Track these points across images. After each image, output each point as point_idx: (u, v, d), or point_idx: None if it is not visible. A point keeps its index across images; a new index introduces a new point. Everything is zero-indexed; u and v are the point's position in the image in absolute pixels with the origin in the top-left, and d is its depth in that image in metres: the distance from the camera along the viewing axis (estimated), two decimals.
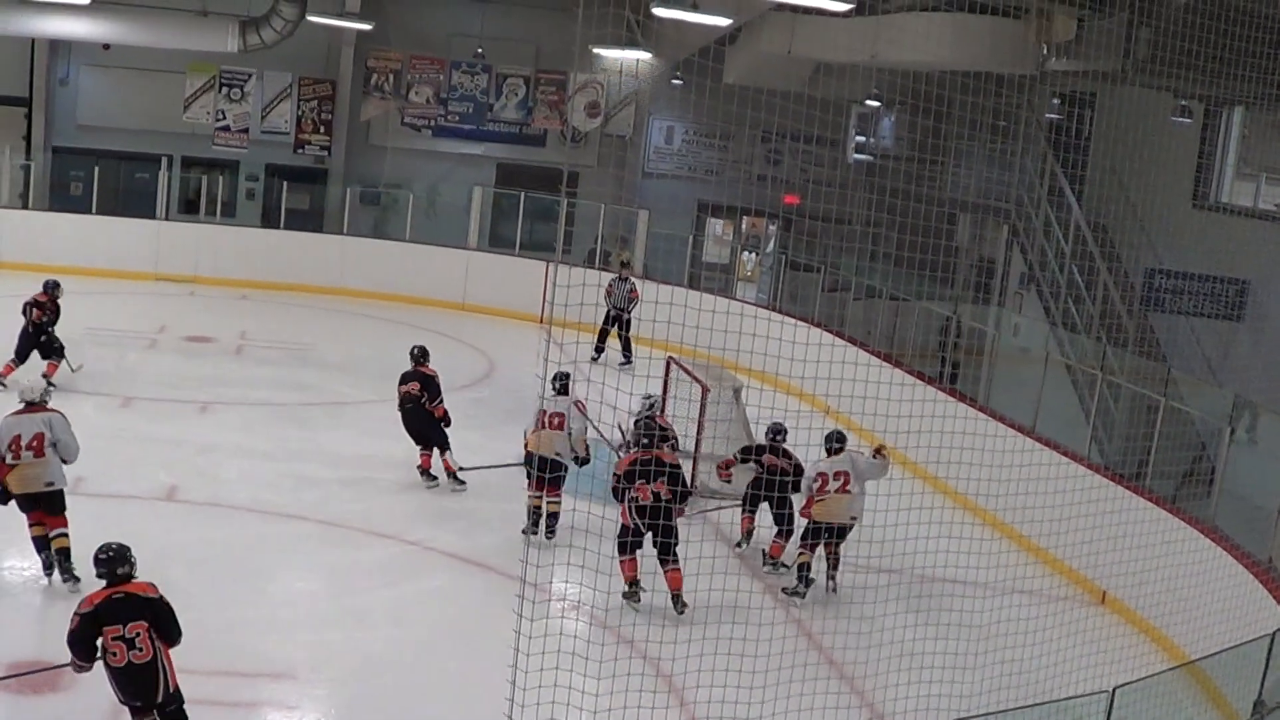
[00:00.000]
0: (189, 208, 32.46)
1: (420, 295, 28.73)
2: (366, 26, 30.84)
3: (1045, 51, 20.10)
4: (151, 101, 32.65)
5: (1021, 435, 17.18)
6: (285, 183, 31.61)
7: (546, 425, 15.23)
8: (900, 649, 11.79)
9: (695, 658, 10.13)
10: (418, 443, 16.94)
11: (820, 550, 14.61)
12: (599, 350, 24.15)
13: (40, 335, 19.84)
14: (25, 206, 31.15)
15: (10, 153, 31.54)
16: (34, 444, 12.67)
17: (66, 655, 9.21)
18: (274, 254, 29.68)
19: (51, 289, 20.19)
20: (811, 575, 14.42)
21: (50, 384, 17.55)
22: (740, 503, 16.02)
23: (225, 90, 32.73)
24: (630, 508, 13.31)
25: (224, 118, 32.79)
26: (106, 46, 31.67)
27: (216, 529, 14.69)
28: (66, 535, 12.76)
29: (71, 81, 33.10)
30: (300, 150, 33.46)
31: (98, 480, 15.59)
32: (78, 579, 12.36)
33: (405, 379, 16.93)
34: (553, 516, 14.80)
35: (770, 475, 15.13)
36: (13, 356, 19.69)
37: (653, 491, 13.31)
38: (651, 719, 10.06)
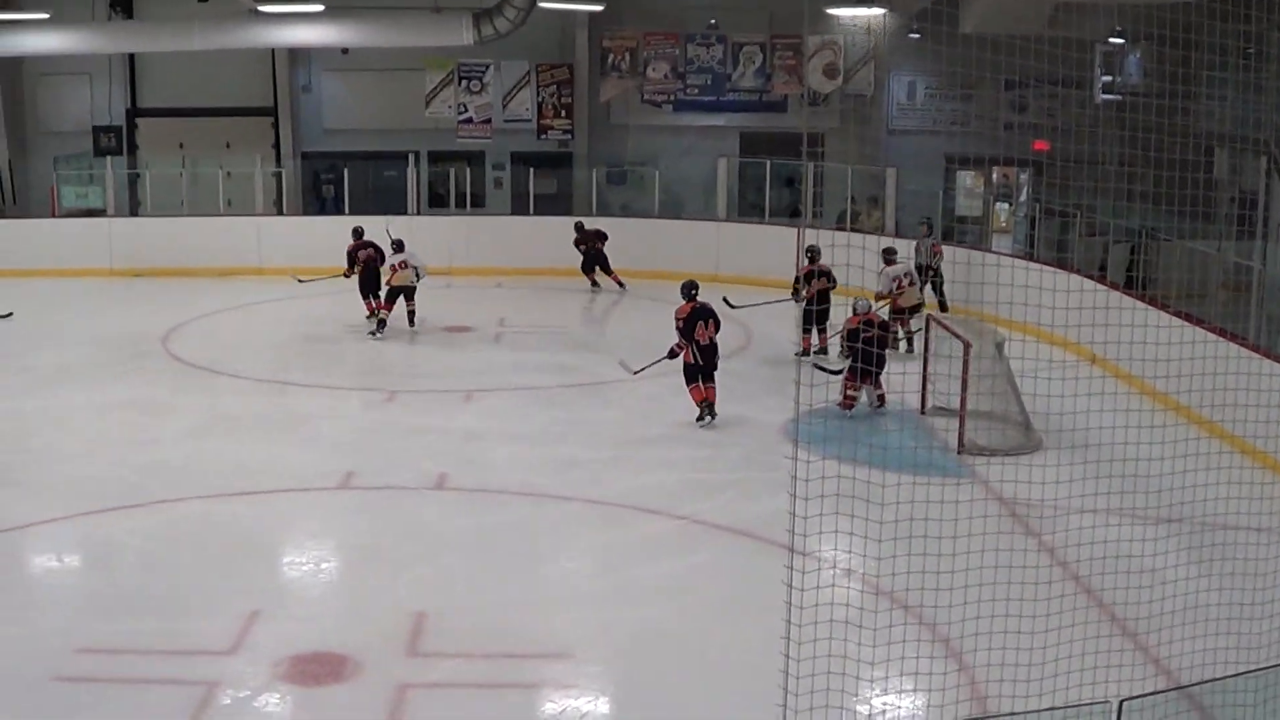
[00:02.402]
0: (438, 201, 32.97)
1: (673, 270, 28.77)
2: (599, 8, 30.97)
3: None
4: (393, 100, 33.32)
5: None
6: (531, 169, 31.93)
7: (399, 268, 23.46)
8: (1183, 601, 11.42)
9: (973, 620, 9.92)
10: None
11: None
12: None
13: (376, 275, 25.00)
14: (280, 213, 31.97)
15: (261, 162, 32.39)
16: None
17: (350, 645, 9.34)
18: (525, 240, 30.03)
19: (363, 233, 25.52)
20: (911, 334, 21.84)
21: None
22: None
23: (464, 83, 33.18)
24: (694, 348, 17.86)
25: (466, 110, 33.26)
26: (345, 51, 32.40)
27: (488, 514, 14.88)
28: None
29: (314, 88, 33.95)
30: (543, 136, 33.81)
31: (369, 473, 15.98)
32: None
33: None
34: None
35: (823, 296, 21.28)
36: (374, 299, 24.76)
37: (708, 335, 17.89)
38: (930, 685, 9.93)
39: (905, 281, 21.96)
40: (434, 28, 30.17)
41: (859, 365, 17.62)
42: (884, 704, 10.00)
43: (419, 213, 31.34)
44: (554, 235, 29.72)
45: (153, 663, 11.03)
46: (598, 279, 28.83)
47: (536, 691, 10.69)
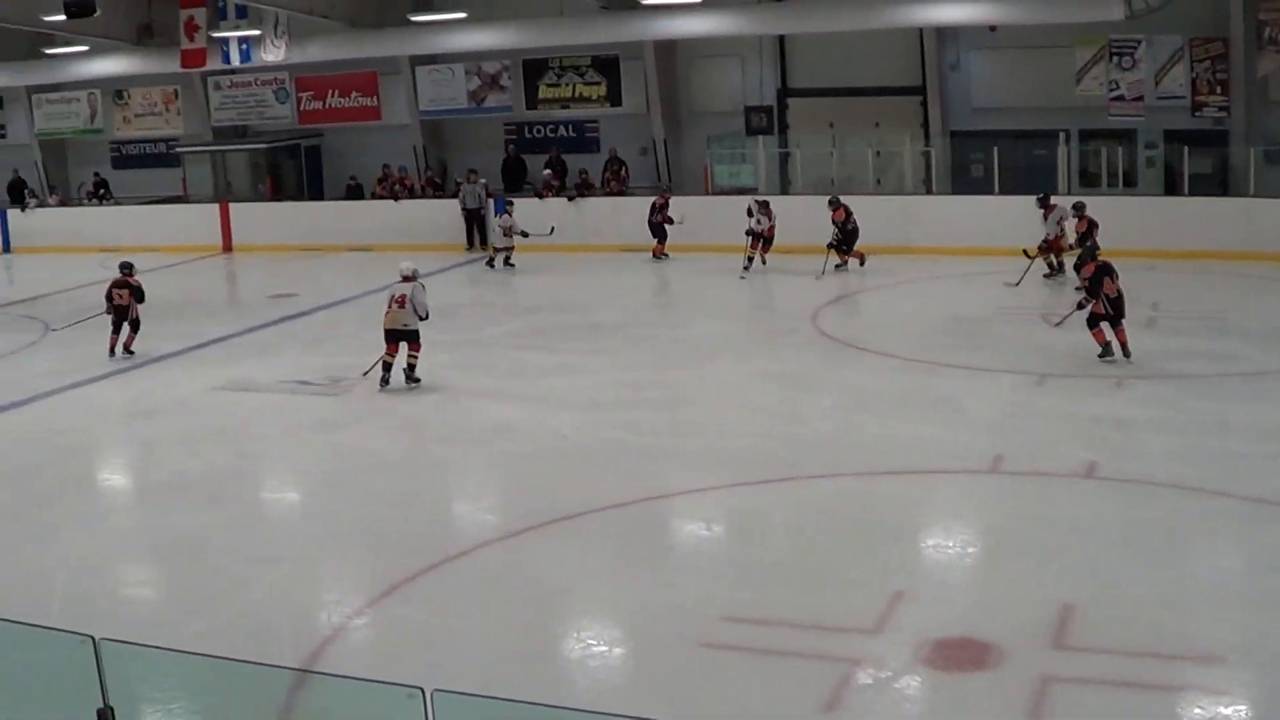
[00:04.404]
0: (1089, 180, 32.33)
1: None
2: None
3: None
4: (1041, 78, 32.79)
5: None
6: (1185, 148, 30.85)
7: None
8: None
9: None
10: None
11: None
12: None
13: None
14: (928, 192, 32.10)
15: (910, 141, 32.61)
16: (399, 300, 19.81)
17: (993, 632, 9.20)
18: (1179, 221, 29.02)
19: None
20: None
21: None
22: None
23: (1115, 59, 32.31)
24: (1104, 300, 19.79)
25: (1117, 87, 32.36)
26: (993, 29, 32.16)
27: (1137, 506, 14.41)
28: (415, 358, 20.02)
29: (962, 66, 33.82)
30: (1198, 113, 32.54)
31: (1017, 458, 15.84)
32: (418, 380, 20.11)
33: None
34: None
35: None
36: None
37: (1115, 288, 19.86)
38: None
39: (1065, 225, 26.45)
40: (1084, 3, 29.61)
41: None
42: None
43: (1070, 191, 30.83)
44: (1209, 216, 28.65)
45: (795, 636, 11.30)
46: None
47: (1182, 695, 10.26)
